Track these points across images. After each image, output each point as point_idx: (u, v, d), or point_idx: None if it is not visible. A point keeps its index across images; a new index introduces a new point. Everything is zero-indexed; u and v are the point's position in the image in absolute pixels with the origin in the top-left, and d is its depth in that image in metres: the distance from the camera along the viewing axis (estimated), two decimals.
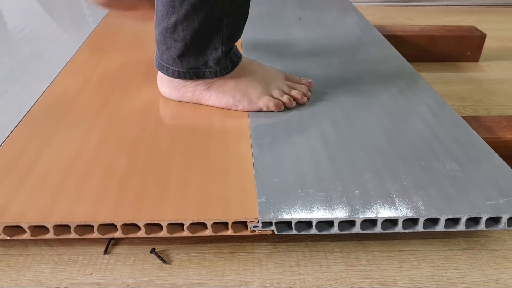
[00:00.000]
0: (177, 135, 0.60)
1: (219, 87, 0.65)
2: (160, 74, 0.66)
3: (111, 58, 0.83)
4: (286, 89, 0.67)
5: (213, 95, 0.65)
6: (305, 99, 0.67)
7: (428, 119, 0.64)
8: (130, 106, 0.67)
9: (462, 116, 0.65)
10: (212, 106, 0.66)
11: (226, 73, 0.64)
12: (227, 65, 0.64)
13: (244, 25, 0.64)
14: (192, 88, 0.65)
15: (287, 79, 0.69)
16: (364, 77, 0.76)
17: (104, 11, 1.09)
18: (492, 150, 0.57)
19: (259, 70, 0.68)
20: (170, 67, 0.63)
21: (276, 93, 0.66)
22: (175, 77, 0.64)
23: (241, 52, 0.85)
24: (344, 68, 0.80)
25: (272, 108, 0.64)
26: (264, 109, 0.65)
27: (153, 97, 0.69)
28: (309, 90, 0.69)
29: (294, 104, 0.66)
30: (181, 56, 0.61)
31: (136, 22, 0.75)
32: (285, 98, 0.65)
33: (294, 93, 0.67)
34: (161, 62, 0.64)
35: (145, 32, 0.95)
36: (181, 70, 0.63)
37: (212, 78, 0.64)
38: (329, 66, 0.80)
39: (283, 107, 0.65)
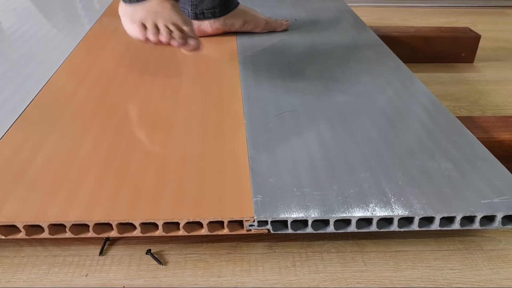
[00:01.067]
0: (172, 135, 0.60)
1: (129, 10, 0.70)
2: (120, 9, 0.74)
3: (106, 58, 0.83)
4: (161, 25, 0.68)
5: (123, 16, 0.72)
6: (174, 42, 0.67)
7: (424, 119, 0.64)
8: (125, 106, 0.67)
9: (457, 117, 0.66)
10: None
11: (130, 2, 0.70)
12: None
13: None
14: (121, 9, 0.73)
15: (177, 21, 0.70)
16: (359, 78, 0.77)
17: (99, 12, 1.09)
18: (487, 149, 0.58)
19: (160, 5, 0.70)
20: None
21: (149, 25, 0.68)
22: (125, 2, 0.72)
23: (236, 52, 0.85)
24: (340, 68, 0.80)
25: (131, 34, 0.70)
26: (129, 34, 0.70)
27: (148, 97, 0.69)
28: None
29: (159, 39, 0.68)
30: None
31: None
32: (150, 31, 0.68)
33: (162, 29, 0.68)
34: None
35: None
36: None
37: (128, 3, 0.70)
38: (325, 67, 0.80)
39: (141, 37, 0.69)
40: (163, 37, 0.67)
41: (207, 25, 0.91)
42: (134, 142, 0.58)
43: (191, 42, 0.68)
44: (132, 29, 0.69)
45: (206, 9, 0.90)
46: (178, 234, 0.47)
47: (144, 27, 0.68)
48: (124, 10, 0.72)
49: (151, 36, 0.67)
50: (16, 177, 0.51)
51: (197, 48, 0.68)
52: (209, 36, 0.92)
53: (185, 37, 0.68)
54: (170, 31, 0.68)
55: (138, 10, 0.69)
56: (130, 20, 0.70)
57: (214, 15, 0.91)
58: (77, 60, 0.82)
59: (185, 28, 0.69)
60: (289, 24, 0.99)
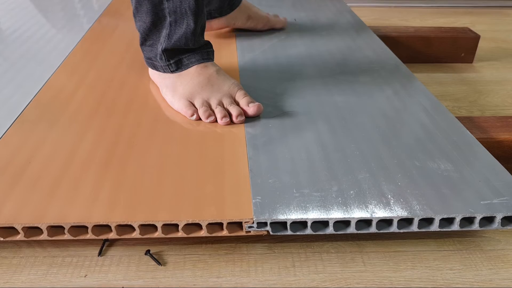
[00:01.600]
0: (171, 136, 0.60)
1: (168, 82, 0.67)
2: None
3: (105, 58, 0.83)
4: (213, 103, 0.64)
5: (163, 88, 0.68)
6: (226, 120, 0.62)
7: (423, 119, 0.64)
8: (124, 106, 0.67)
9: (456, 117, 0.66)
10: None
11: (171, 71, 0.66)
12: (171, 63, 0.65)
13: (193, 27, 0.62)
14: (154, 76, 0.70)
15: (231, 96, 0.65)
16: (359, 78, 0.77)
17: (98, 12, 1.09)
18: (486, 150, 0.58)
19: (205, 77, 0.65)
20: (145, 54, 0.68)
21: (198, 102, 0.64)
22: (148, 65, 0.69)
23: (236, 53, 0.85)
24: (339, 69, 0.80)
25: (185, 114, 0.64)
26: (180, 112, 0.65)
27: (148, 98, 0.69)
28: (253, 116, 0.64)
29: (210, 120, 0.62)
30: (142, 44, 0.67)
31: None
32: (201, 110, 0.63)
33: (217, 110, 0.63)
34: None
35: None
36: (144, 56, 0.68)
37: (162, 72, 0.67)
38: (324, 67, 0.80)
39: (193, 118, 0.63)
40: (221, 121, 0.62)
41: (212, 23, 0.91)
42: (133, 143, 0.58)
43: (250, 110, 0.63)
44: (179, 107, 0.64)
45: (213, 10, 0.89)
46: (177, 235, 0.47)
47: (192, 104, 0.64)
48: (159, 79, 0.68)
49: (204, 118, 0.62)
50: (15, 178, 0.51)
51: (258, 112, 0.63)
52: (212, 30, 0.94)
53: (242, 113, 0.62)
54: (224, 108, 0.63)
55: (178, 82, 0.65)
56: (173, 93, 0.65)
57: (221, 14, 0.90)
58: (76, 60, 0.82)
59: (240, 97, 0.64)
60: (286, 21, 0.99)
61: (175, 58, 0.65)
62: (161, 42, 0.63)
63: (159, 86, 0.70)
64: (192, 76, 0.65)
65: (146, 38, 0.65)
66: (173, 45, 0.63)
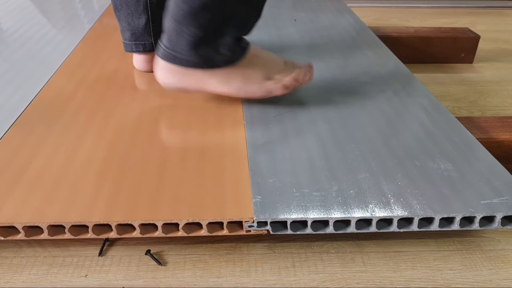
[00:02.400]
0: (172, 135, 0.60)
1: (225, 74, 0.64)
2: (161, 63, 0.64)
3: (106, 58, 0.83)
4: (287, 71, 0.67)
5: (219, 81, 0.64)
6: (307, 77, 0.67)
7: (423, 120, 0.64)
8: (125, 107, 0.67)
9: (456, 117, 0.66)
10: (214, 93, 0.65)
11: (238, 60, 0.64)
12: (238, 52, 0.63)
13: (258, 10, 0.64)
14: (197, 76, 0.63)
15: (285, 63, 0.69)
16: (359, 79, 0.77)
17: (98, 12, 1.09)
18: (486, 150, 0.58)
19: (260, 55, 0.67)
20: (182, 56, 0.61)
21: (278, 76, 0.66)
22: (183, 66, 0.62)
23: None
24: (339, 69, 0.80)
25: (277, 92, 0.65)
26: (269, 94, 0.65)
27: (148, 98, 0.69)
28: (310, 72, 0.69)
29: (297, 85, 0.66)
30: (196, 44, 0.60)
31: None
32: (287, 80, 0.65)
33: (295, 73, 0.66)
34: (170, 52, 0.62)
35: None
36: (193, 59, 0.62)
37: (223, 66, 0.63)
38: (324, 68, 0.80)
39: (287, 90, 0.66)
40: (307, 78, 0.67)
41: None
42: (133, 143, 0.58)
43: (307, 71, 0.68)
44: (268, 88, 0.65)
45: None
46: (177, 235, 0.47)
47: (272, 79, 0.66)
48: (204, 78, 0.64)
49: (306, 78, 0.67)
50: (16, 178, 0.51)
51: (311, 72, 0.68)
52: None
53: (305, 69, 0.67)
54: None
55: (240, 70, 0.64)
56: (245, 81, 0.64)
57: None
58: (77, 60, 0.82)
59: (292, 63, 0.69)
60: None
61: (239, 45, 0.64)
62: (233, 32, 0.61)
63: (199, 87, 0.65)
64: (251, 56, 0.65)
65: (208, 33, 0.60)
66: (248, 32, 0.63)
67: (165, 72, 0.64)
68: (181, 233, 0.47)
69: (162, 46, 0.62)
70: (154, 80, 0.74)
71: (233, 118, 0.64)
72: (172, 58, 0.62)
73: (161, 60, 0.63)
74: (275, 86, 0.65)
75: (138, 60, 0.78)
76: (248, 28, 0.64)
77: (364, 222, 0.48)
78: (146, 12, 0.73)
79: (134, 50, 0.76)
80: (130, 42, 0.75)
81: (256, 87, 0.64)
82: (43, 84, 0.73)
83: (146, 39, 0.75)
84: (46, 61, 0.82)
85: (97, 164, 0.54)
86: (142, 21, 0.73)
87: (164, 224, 0.47)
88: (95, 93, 0.70)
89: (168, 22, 0.60)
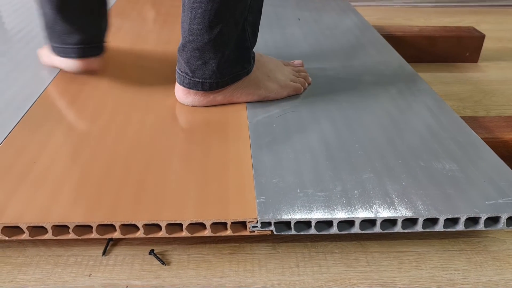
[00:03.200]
0: (176, 136, 0.60)
1: (247, 84, 0.66)
2: (184, 90, 0.65)
3: (109, 58, 0.83)
4: (295, 73, 0.72)
5: (244, 92, 0.67)
6: (310, 79, 0.74)
7: (428, 119, 0.64)
8: (129, 106, 0.67)
9: (461, 117, 0.65)
10: (243, 103, 0.68)
11: (252, 69, 0.67)
12: (253, 61, 0.67)
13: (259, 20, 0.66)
14: (223, 92, 0.65)
15: (285, 64, 0.75)
16: (363, 78, 0.76)
17: None
18: (491, 150, 0.57)
19: (266, 60, 0.71)
20: (207, 80, 0.63)
21: (293, 78, 0.71)
22: (212, 90, 0.64)
23: None
24: (343, 69, 0.80)
25: (298, 91, 0.70)
26: (290, 93, 0.70)
27: (152, 97, 0.69)
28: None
29: (306, 85, 0.72)
30: (222, 65, 0.61)
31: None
32: (301, 81, 0.71)
33: (303, 75, 0.73)
34: (195, 80, 0.63)
35: (144, 33, 0.95)
36: (219, 80, 0.63)
37: (244, 78, 0.66)
38: (328, 67, 0.80)
39: (302, 89, 0.71)
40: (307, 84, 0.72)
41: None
42: (137, 143, 0.58)
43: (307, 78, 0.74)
44: (290, 88, 0.70)
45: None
46: (181, 235, 0.47)
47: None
48: (231, 91, 0.66)
49: (303, 82, 0.72)
50: (20, 178, 0.52)
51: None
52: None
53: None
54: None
55: (261, 76, 0.68)
56: (270, 84, 0.68)
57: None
58: None
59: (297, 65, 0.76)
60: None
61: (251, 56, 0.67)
62: (249, 44, 0.64)
63: (227, 102, 0.67)
64: (260, 62, 0.69)
65: (232, 52, 0.62)
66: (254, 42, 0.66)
67: (189, 95, 0.65)
68: (184, 233, 0.47)
69: (185, 76, 0.63)
70: (157, 79, 0.75)
71: (237, 118, 0.64)
72: (198, 85, 0.64)
73: (188, 89, 0.65)
74: (293, 89, 0.70)
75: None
76: (255, 36, 0.66)
77: (368, 222, 0.48)
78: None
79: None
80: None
81: (275, 92, 0.68)
82: (47, 84, 0.73)
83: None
84: None
85: (101, 165, 0.54)
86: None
87: (168, 224, 0.47)
88: (98, 93, 0.70)
89: (188, 50, 0.61)
